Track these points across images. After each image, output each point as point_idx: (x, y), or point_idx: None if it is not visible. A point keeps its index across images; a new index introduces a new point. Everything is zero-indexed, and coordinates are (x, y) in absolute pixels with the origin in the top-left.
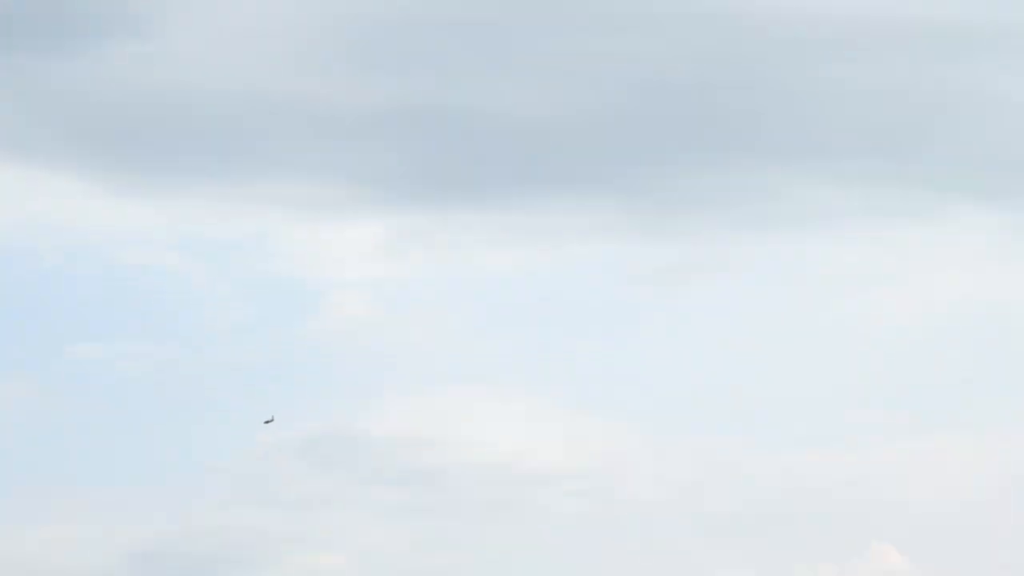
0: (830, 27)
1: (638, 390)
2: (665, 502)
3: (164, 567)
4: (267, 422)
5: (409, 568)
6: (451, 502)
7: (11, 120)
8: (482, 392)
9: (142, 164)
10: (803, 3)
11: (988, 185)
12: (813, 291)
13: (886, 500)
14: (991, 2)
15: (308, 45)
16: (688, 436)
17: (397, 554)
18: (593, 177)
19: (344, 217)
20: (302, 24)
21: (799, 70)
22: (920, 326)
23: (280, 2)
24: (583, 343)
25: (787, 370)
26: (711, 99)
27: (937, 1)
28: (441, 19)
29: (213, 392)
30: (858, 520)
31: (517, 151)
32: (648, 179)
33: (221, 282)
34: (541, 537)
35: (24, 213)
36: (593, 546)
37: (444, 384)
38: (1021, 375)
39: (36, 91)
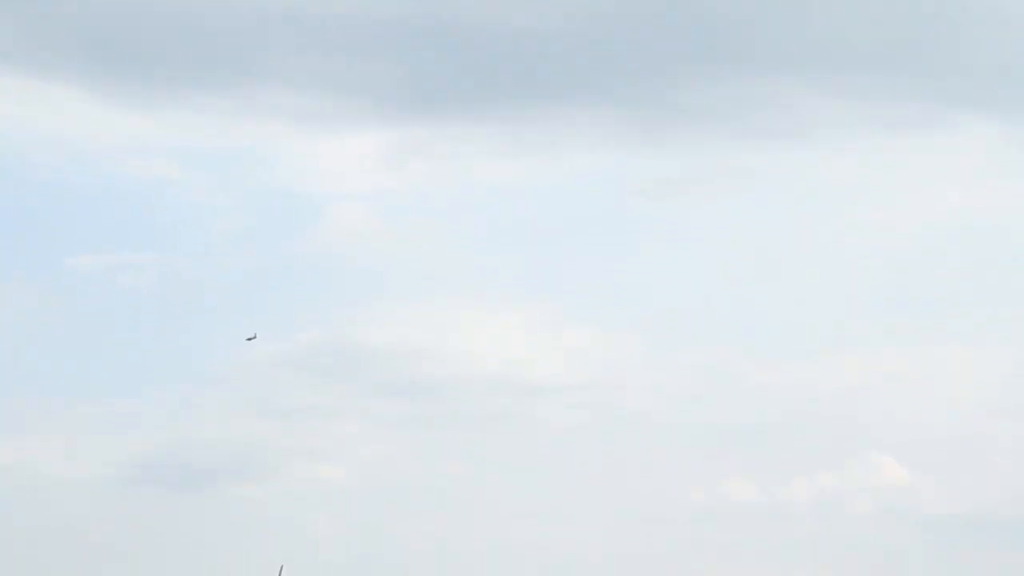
0: None
1: (638, 303)
2: (665, 414)
3: (164, 477)
4: (250, 339)
5: (409, 479)
6: (451, 414)
7: (11, 33)
8: (482, 304)
9: (142, 76)
10: None
11: (989, 97)
12: (813, 203)
13: (885, 410)
14: None
15: None
16: (688, 348)
17: (397, 465)
18: (594, 89)
19: (344, 129)
20: None
21: None
22: (920, 238)
23: None
24: (583, 255)
25: (786, 282)
26: (713, 11)
27: None
28: None
29: (213, 303)
30: (856, 430)
31: (517, 63)
32: (649, 91)
33: (221, 194)
34: (540, 449)
35: (24, 125)
36: (592, 458)
37: (444, 296)
38: (1019, 286)
39: (34, 3)
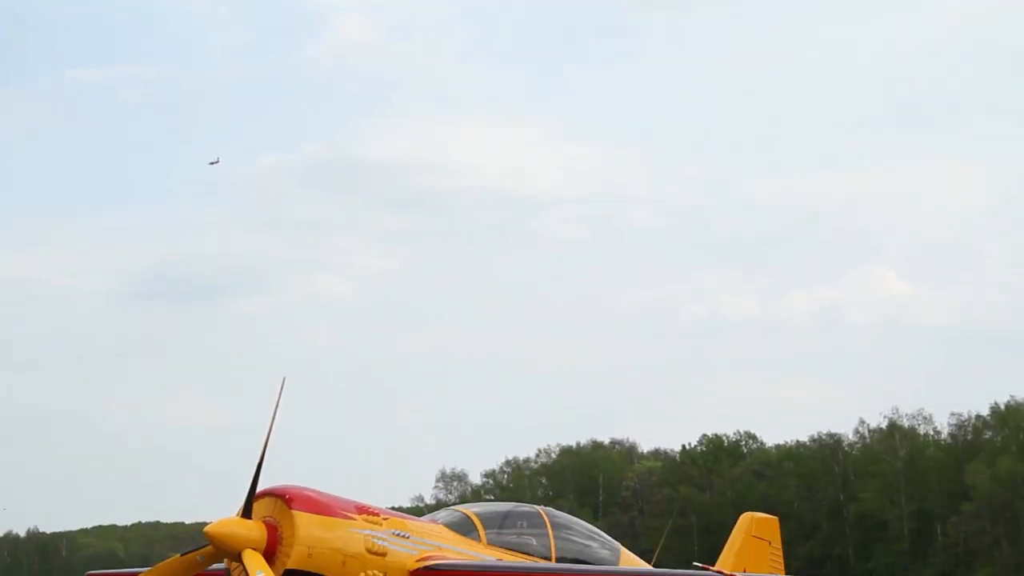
0: None
1: (638, 115)
2: (664, 227)
3: (165, 290)
4: (212, 163)
5: (408, 291)
6: (450, 227)
7: None
8: (482, 117)
9: None
10: None
11: None
12: (812, 11)
13: (884, 223)
14: None
15: None
16: (688, 162)
17: (397, 277)
18: None
19: None
20: None
21: None
22: (921, 47)
23: None
24: (584, 68)
25: (787, 92)
26: None
27: None
28: None
29: (213, 116)
30: (856, 243)
31: None
32: None
33: (222, 6)
34: (540, 262)
35: None
36: (591, 271)
37: (444, 109)
38: (1018, 98)
39: None
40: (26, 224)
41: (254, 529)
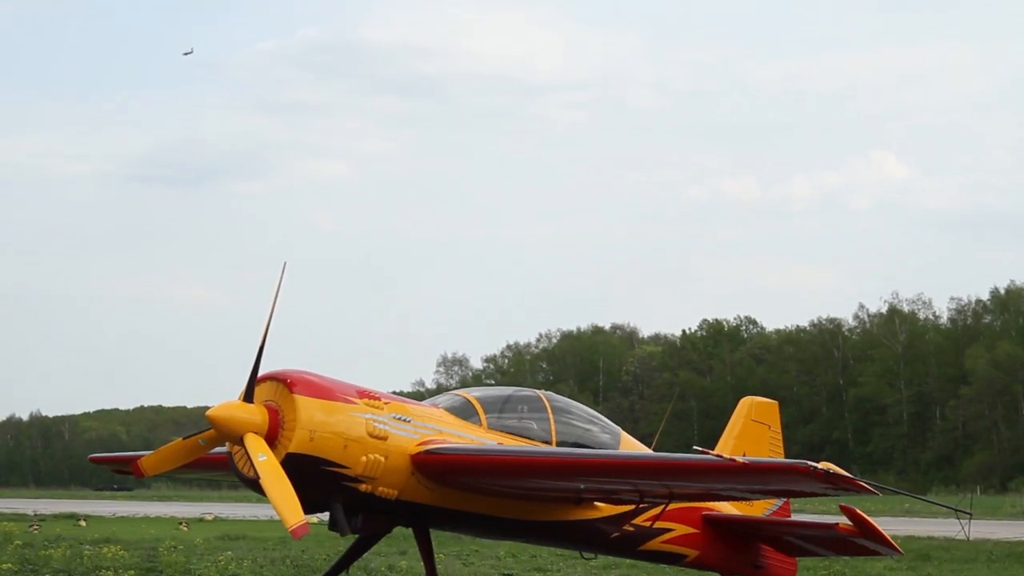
0: None
1: None
2: (665, 112)
3: (164, 174)
4: (186, 54)
5: (407, 175)
6: (450, 111)
7: None
8: (482, 1)
9: None
10: None
11: None
12: None
13: (885, 108)
14: None
15: None
16: (689, 45)
17: (396, 161)
18: None
19: None
20: None
21: None
22: None
23: None
24: None
25: None
26: None
27: None
28: None
29: (212, 1)
30: (857, 128)
31: None
32: None
33: None
34: (539, 146)
35: None
36: (591, 155)
37: None
38: None
39: None
40: (24, 108)
41: (256, 413)
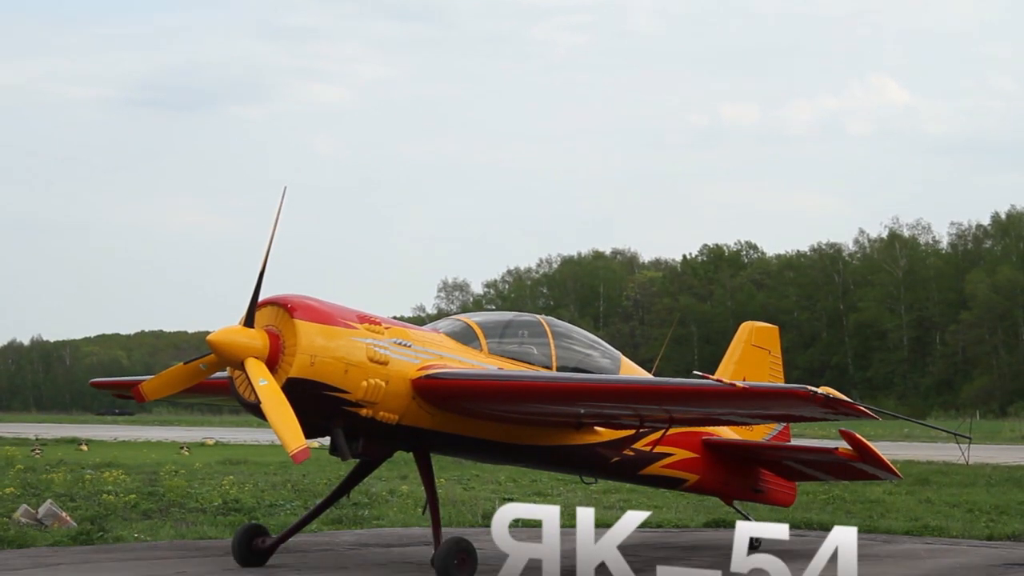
0: None
1: None
2: (666, 36)
3: (165, 100)
4: None
5: (410, 101)
6: (452, 36)
7: None
8: None
9: None
10: None
11: None
12: None
13: (886, 33)
14: None
15: None
16: None
17: (397, 86)
18: None
19: None
20: None
21: None
22: None
23: None
24: None
25: None
26: None
27: None
28: None
29: None
30: (857, 53)
31: None
32: None
33: None
34: (541, 70)
35: None
36: (592, 80)
37: None
38: None
39: None
40: (23, 32)
41: (256, 338)
